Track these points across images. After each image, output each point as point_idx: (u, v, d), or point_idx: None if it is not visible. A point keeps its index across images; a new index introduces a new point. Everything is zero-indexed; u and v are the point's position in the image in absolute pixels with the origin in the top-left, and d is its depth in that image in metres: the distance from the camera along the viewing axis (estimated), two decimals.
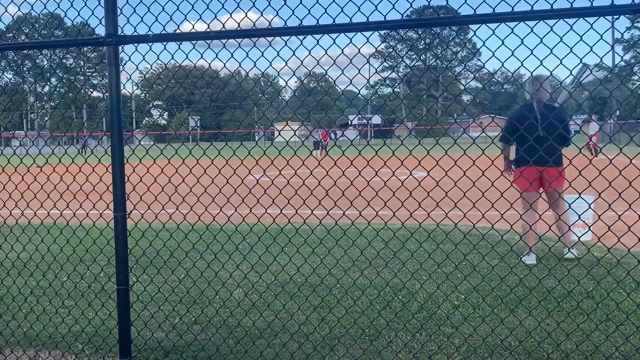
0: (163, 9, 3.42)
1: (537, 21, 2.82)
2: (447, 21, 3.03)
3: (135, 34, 3.30)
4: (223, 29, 3.28)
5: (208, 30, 3.18)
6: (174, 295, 4.67)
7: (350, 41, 3.18)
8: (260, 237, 4.07)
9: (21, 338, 4.03)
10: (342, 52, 3.33)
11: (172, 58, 3.53)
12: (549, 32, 2.84)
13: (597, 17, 2.70)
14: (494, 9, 2.80)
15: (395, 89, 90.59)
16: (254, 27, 3.19)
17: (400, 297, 4.75)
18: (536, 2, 2.79)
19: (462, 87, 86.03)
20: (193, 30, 3.21)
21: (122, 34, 3.28)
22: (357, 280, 4.91)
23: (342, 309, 4.35)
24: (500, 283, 4.67)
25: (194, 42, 3.37)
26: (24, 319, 4.27)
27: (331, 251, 4.29)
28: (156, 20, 3.42)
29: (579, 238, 6.33)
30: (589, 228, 5.86)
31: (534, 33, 2.91)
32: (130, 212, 3.38)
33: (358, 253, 4.52)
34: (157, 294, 4.50)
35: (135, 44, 3.35)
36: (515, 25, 2.91)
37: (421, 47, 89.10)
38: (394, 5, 3.04)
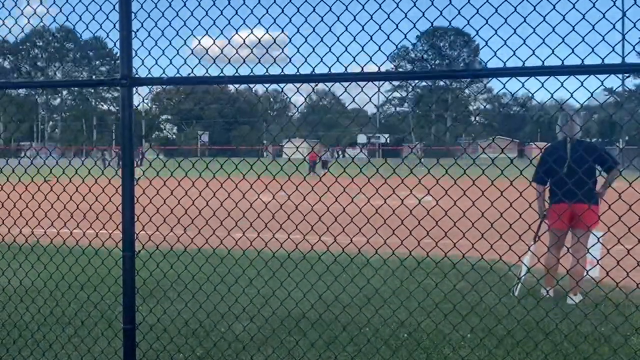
0: (178, 52, 3.46)
1: (548, 55, 2.83)
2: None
3: (149, 76, 3.34)
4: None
5: (222, 74, 3.21)
6: (180, 331, 4.60)
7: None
8: (276, 270, 4.02)
9: None
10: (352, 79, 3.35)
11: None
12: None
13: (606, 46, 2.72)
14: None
15: (404, 109, 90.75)
16: (266, 73, 3.20)
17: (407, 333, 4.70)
18: (546, 36, 2.80)
19: (472, 109, 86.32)
20: (206, 74, 3.24)
21: (136, 75, 3.31)
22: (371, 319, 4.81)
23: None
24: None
25: (206, 84, 3.41)
26: (30, 355, 4.24)
27: (341, 282, 4.24)
28: (170, 62, 3.45)
29: (587, 272, 6.25)
30: (597, 262, 5.79)
31: (541, 60, 2.91)
32: (139, 252, 3.38)
33: (368, 284, 4.45)
34: (163, 332, 4.43)
35: (150, 87, 3.39)
36: (527, 59, 2.91)
37: (430, 68, 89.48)
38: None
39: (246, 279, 4.49)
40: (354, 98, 3.45)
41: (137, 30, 3.38)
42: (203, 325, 4.49)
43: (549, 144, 6.79)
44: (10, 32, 4.11)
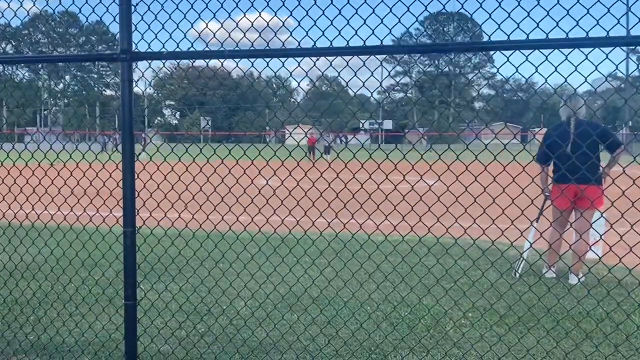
0: (177, 26, 3.42)
1: (552, 28, 2.79)
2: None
3: (149, 50, 3.29)
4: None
5: (222, 49, 3.17)
6: (182, 307, 4.61)
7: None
8: (277, 247, 4.01)
9: (28, 348, 4.00)
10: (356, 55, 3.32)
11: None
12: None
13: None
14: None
15: (408, 94, 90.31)
16: (267, 47, 3.16)
17: (405, 313, 4.70)
18: (551, 9, 2.76)
19: (475, 94, 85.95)
20: (207, 49, 3.21)
21: (136, 49, 3.26)
22: (372, 295, 4.82)
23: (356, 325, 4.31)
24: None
25: (207, 60, 3.37)
26: (32, 331, 4.24)
27: (342, 258, 4.24)
28: (170, 37, 3.41)
29: (590, 247, 6.24)
30: (601, 237, 5.77)
31: (544, 32, 2.87)
32: (140, 227, 3.37)
33: (372, 265, 4.45)
34: (164, 308, 4.44)
35: (149, 61, 3.35)
36: (531, 32, 2.87)
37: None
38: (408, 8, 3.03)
39: (247, 256, 4.49)
40: (355, 73, 3.42)
41: (137, 5, 3.34)
42: (204, 301, 4.49)
43: (552, 126, 6.75)
44: (10, 6, 4.06)
